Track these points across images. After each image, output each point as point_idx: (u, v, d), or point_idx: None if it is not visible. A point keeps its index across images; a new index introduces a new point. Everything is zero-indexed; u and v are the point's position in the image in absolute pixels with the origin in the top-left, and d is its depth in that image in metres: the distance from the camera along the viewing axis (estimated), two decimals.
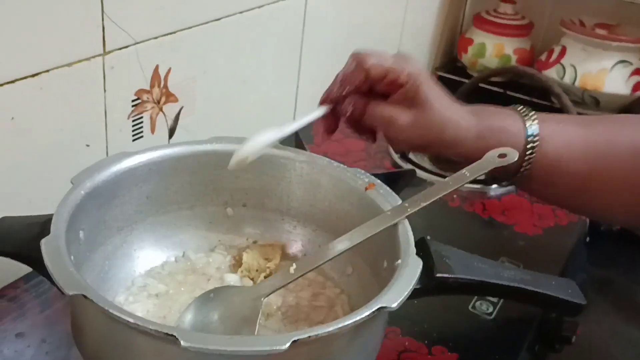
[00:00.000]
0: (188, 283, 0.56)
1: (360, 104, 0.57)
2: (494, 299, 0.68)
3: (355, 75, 0.56)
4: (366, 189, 0.56)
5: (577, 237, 0.82)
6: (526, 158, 0.58)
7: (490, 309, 0.67)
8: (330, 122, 0.60)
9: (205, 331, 0.48)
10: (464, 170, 0.54)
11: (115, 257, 0.55)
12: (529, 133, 0.58)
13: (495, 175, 0.62)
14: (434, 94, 0.57)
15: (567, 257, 0.78)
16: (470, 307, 0.67)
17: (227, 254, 0.60)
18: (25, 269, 0.62)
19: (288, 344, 0.38)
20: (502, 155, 0.55)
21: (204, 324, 0.48)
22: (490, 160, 0.55)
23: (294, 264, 0.51)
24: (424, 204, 0.53)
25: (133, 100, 0.69)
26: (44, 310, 0.60)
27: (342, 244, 0.51)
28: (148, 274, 0.57)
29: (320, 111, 0.58)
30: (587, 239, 0.88)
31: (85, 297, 0.40)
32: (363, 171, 0.58)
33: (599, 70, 1.19)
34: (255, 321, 0.48)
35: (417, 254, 0.49)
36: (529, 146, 0.58)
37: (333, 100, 0.58)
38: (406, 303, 0.65)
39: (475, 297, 0.68)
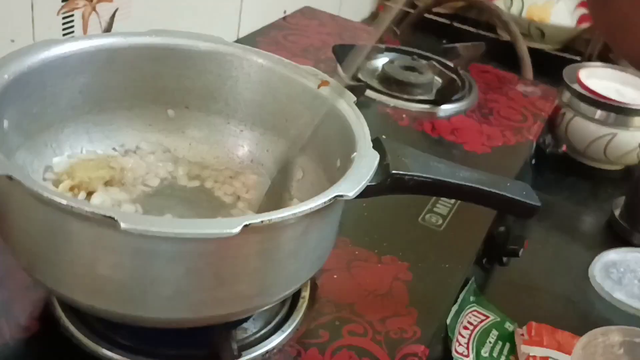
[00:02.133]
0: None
1: None
2: (444, 213, 0.67)
3: None
4: (319, 86, 0.53)
5: (524, 157, 0.82)
6: None
7: (440, 221, 0.66)
8: None
9: None
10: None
11: (43, 157, 0.51)
12: None
13: None
14: None
15: (514, 176, 0.77)
16: (420, 219, 0.66)
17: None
18: None
19: (239, 228, 0.35)
20: None
21: None
22: None
23: None
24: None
25: None
26: None
27: None
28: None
29: None
30: (533, 161, 0.88)
31: (10, 178, 0.35)
32: (315, 69, 0.55)
33: (546, 1, 1.19)
34: None
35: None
36: None
37: None
38: (357, 212, 0.63)
39: (426, 210, 0.66)
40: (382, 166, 0.47)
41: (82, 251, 0.38)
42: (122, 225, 0.34)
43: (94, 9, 0.67)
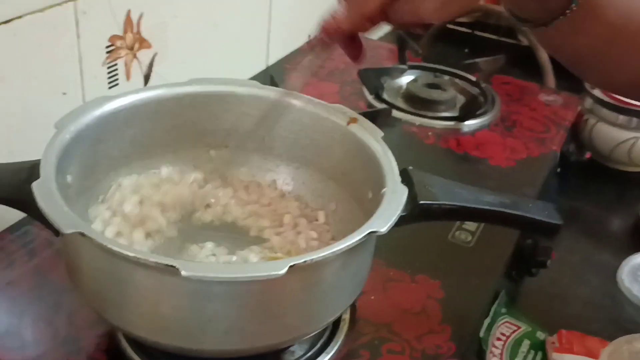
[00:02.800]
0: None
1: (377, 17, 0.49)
2: (472, 229, 0.70)
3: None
4: (348, 123, 0.57)
5: (548, 168, 0.85)
6: None
7: (469, 238, 0.69)
8: (351, 49, 0.53)
9: None
10: None
11: (98, 202, 0.56)
12: None
13: (527, 16, 0.50)
14: None
15: (539, 187, 0.81)
16: (449, 236, 0.69)
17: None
18: (10, 220, 0.62)
19: (285, 269, 0.40)
20: None
21: None
22: None
23: None
24: None
25: (107, 47, 0.68)
26: (32, 259, 0.60)
27: None
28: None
29: None
30: (558, 169, 0.91)
31: (82, 234, 0.40)
32: (344, 107, 0.59)
33: None
34: None
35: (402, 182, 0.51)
36: None
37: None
38: (389, 235, 0.67)
39: (455, 227, 0.70)
40: (411, 197, 0.51)
41: (147, 295, 0.42)
42: (183, 272, 0.38)
43: (134, 56, 0.72)
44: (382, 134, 0.56)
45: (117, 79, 0.70)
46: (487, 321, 0.64)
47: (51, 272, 0.59)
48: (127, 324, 0.45)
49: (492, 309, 0.65)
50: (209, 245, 0.56)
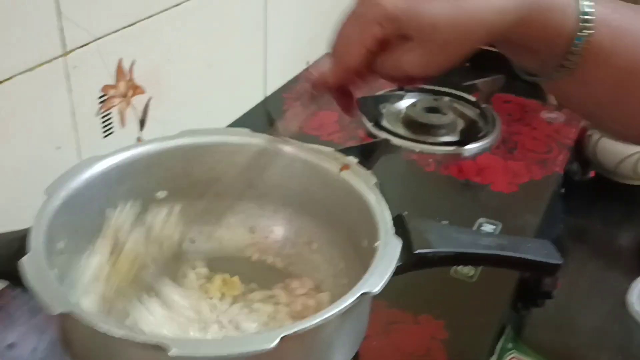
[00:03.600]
0: None
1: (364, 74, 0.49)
2: None
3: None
4: (340, 170, 0.57)
5: (552, 190, 0.84)
6: (575, 43, 0.46)
7: (472, 272, 0.68)
8: (343, 102, 0.54)
9: None
10: None
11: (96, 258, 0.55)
12: (583, 10, 0.45)
13: (532, 71, 0.50)
14: (424, 11, 0.45)
15: (544, 210, 0.80)
16: (452, 272, 0.68)
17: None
18: None
19: (276, 342, 0.39)
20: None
21: None
22: None
23: None
24: None
25: (100, 97, 0.68)
26: (33, 318, 0.60)
27: None
28: None
29: None
30: (562, 190, 0.90)
31: (71, 315, 0.40)
32: (337, 152, 0.58)
33: None
34: None
35: (396, 231, 0.50)
36: (581, 31, 0.45)
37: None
38: None
39: None
40: (406, 246, 0.50)
41: None
42: (172, 351, 0.38)
43: (129, 103, 0.72)
44: (375, 180, 0.55)
45: (111, 128, 0.70)
46: (493, 359, 0.63)
47: (51, 330, 0.59)
48: None
49: (498, 345, 0.65)
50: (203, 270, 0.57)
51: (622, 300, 0.78)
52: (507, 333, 0.66)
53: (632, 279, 0.81)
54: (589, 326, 0.74)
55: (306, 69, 1.07)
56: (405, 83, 0.49)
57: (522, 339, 0.68)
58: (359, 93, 0.53)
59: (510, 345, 0.66)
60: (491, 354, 0.63)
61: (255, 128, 0.62)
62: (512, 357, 0.66)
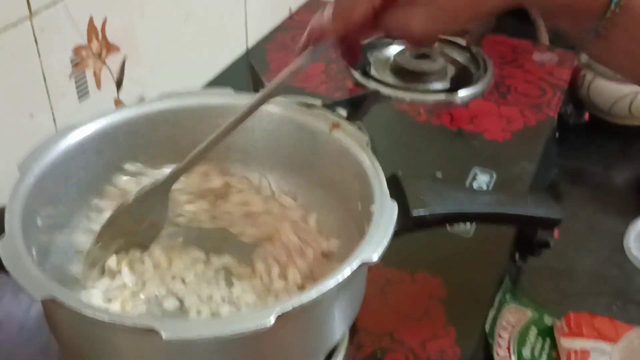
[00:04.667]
0: None
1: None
2: None
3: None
4: (330, 130, 0.54)
5: (546, 136, 0.82)
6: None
7: (468, 227, 0.67)
8: (345, 53, 0.50)
9: None
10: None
11: (80, 233, 0.53)
12: None
13: (568, 30, 0.45)
14: None
15: (538, 158, 0.78)
16: (448, 227, 0.66)
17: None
18: None
19: (272, 319, 0.37)
20: None
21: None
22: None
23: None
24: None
25: (72, 59, 0.64)
26: (17, 296, 0.58)
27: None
28: None
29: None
30: (557, 134, 0.87)
31: (54, 300, 0.38)
32: (326, 112, 0.55)
33: None
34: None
35: (390, 193, 0.48)
36: None
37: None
38: None
39: None
40: (403, 209, 0.48)
41: (130, 354, 0.40)
42: (164, 335, 0.36)
43: (103, 62, 0.68)
44: (367, 140, 0.53)
45: (87, 91, 0.67)
46: (492, 312, 0.62)
47: (37, 307, 0.57)
48: None
49: (497, 298, 0.63)
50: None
51: (620, 244, 0.77)
52: (505, 285, 0.65)
53: (629, 220, 0.80)
54: (587, 272, 0.73)
55: (289, 17, 1.03)
56: (410, 43, 0.46)
57: (520, 290, 0.67)
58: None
59: (508, 297, 0.65)
60: (490, 306, 0.62)
61: (238, 83, 0.59)
62: (511, 308, 0.65)
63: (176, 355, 0.40)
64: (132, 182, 0.55)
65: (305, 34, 0.49)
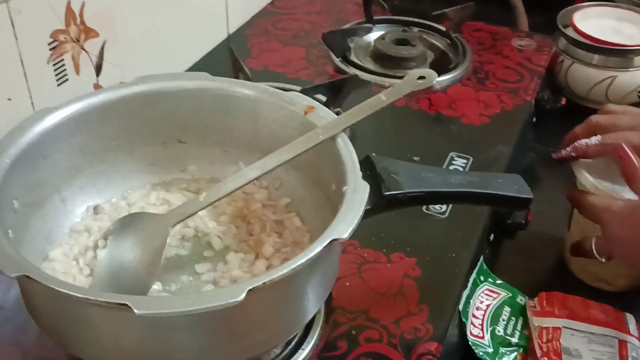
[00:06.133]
0: None
1: None
2: None
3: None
4: (305, 112, 0.55)
5: (523, 120, 0.83)
6: None
7: (444, 208, 0.68)
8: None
9: (118, 258, 0.49)
10: (380, 95, 0.53)
11: (57, 217, 0.54)
12: None
13: None
14: None
15: (515, 141, 0.79)
16: (424, 208, 0.68)
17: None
18: None
19: (243, 295, 0.38)
20: (421, 77, 0.53)
21: (118, 250, 0.49)
22: (409, 82, 0.53)
23: (204, 192, 0.50)
24: (346, 125, 0.52)
25: (49, 44, 0.64)
26: None
27: (254, 171, 0.51)
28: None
29: None
30: (534, 119, 0.89)
31: (28, 277, 0.38)
32: (301, 95, 0.56)
33: None
34: (160, 252, 0.48)
35: (364, 173, 0.49)
36: None
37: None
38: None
39: None
40: (375, 188, 0.49)
41: (104, 331, 0.41)
42: (136, 311, 0.37)
43: (82, 47, 0.68)
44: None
45: (65, 75, 0.67)
46: (465, 293, 0.63)
47: (16, 287, 0.57)
48: (91, 358, 0.44)
49: (471, 279, 0.65)
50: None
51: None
52: (479, 266, 0.66)
53: None
54: (560, 253, 0.75)
55: (271, 3, 1.03)
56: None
57: (494, 271, 0.68)
58: None
59: (482, 278, 0.66)
60: (463, 287, 0.63)
61: (220, 70, 0.59)
62: (485, 289, 0.66)
63: (149, 331, 0.40)
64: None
65: (571, 148, 0.66)
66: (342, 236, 0.43)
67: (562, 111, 0.93)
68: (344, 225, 0.44)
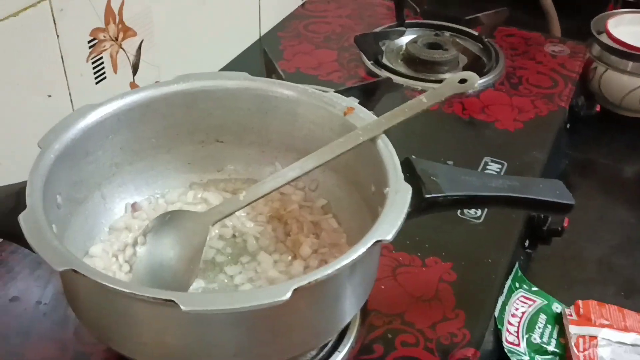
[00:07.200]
0: None
1: None
2: None
3: None
4: (345, 113, 0.54)
5: (557, 126, 0.82)
6: None
7: (479, 213, 0.67)
8: None
9: (158, 255, 0.48)
10: (421, 97, 0.53)
11: (97, 213, 0.54)
12: None
13: None
14: None
15: (549, 147, 0.78)
16: (459, 213, 0.67)
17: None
18: None
19: (289, 293, 0.38)
20: (462, 80, 0.53)
21: (158, 247, 0.49)
22: (450, 85, 0.53)
23: (244, 191, 0.50)
24: (386, 127, 0.52)
25: (89, 42, 0.65)
26: (34, 271, 0.59)
27: (293, 172, 0.51)
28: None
29: None
30: (568, 125, 0.88)
31: (75, 271, 0.38)
32: (340, 96, 0.56)
33: None
34: (200, 249, 0.48)
35: (405, 176, 0.49)
36: None
37: None
38: None
39: None
40: (416, 191, 0.49)
41: (148, 326, 0.41)
42: (183, 308, 0.37)
43: (120, 47, 0.69)
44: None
45: (104, 73, 0.68)
46: (501, 299, 0.63)
47: (54, 283, 0.58)
48: (131, 352, 0.44)
49: (506, 285, 0.64)
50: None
51: (630, 234, 0.78)
52: (515, 272, 0.66)
53: (638, 212, 0.80)
54: (595, 261, 0.74)
55: (302, 6, 1.03)
56: None
57: (529, 277, 0.67)
58: None
59: (517, 285, 0.66)
60: (499, 293, 0.62)
61: (252, 70, 0.59)
62: (520, 296, 0.65)
63: (192, 327, 0.40)
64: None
65: None
66: (385, 237, 0.43)
67: (596, 118, 0.92)
68: (388, 227, 0.43)
